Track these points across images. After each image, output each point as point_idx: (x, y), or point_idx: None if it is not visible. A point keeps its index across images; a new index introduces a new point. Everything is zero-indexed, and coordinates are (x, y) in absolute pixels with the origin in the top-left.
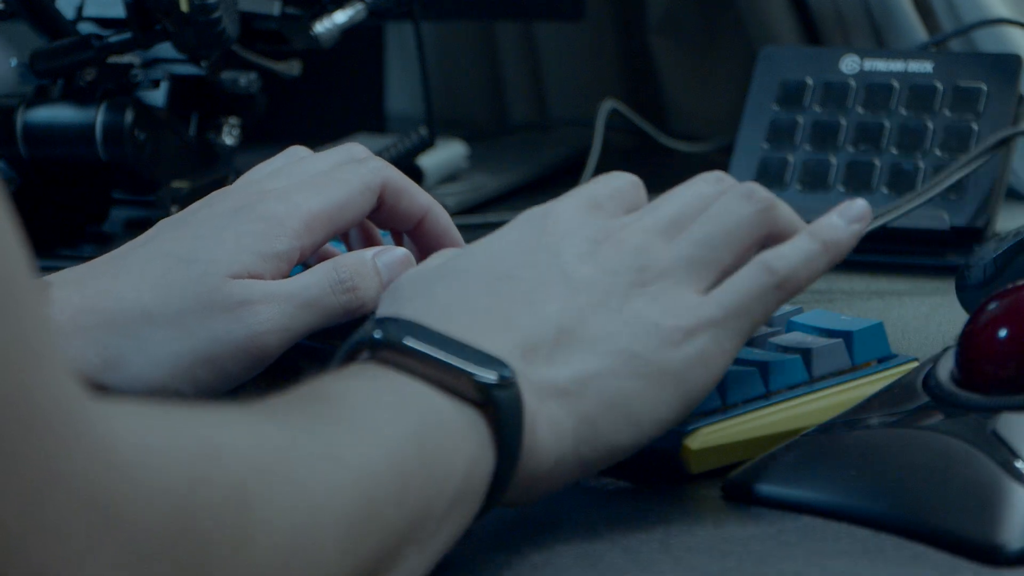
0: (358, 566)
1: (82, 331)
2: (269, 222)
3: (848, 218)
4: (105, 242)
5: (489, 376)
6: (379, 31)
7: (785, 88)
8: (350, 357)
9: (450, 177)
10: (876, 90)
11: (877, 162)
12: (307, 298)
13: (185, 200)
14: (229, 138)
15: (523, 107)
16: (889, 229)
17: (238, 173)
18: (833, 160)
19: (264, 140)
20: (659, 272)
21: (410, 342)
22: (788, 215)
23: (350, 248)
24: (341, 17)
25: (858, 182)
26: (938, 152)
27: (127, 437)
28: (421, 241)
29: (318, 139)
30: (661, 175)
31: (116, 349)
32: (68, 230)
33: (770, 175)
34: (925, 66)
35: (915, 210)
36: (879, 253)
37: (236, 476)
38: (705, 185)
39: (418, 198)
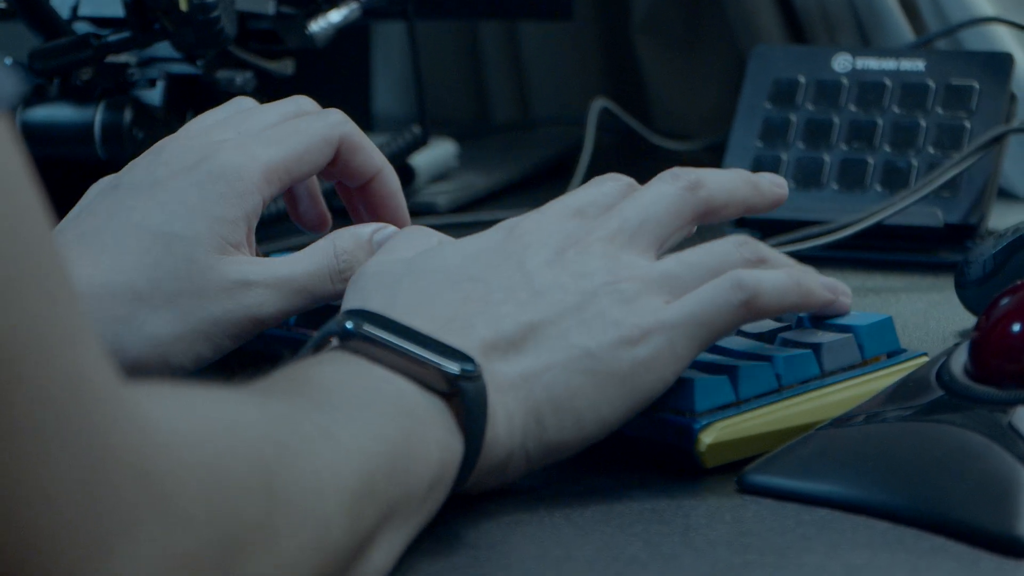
0: (360, 538)
1: None
2: (229, 179)
3: (832, 289)
4: None
5: (455, 368)
6: (366, 31)
7: (778, 86)
8: (320, 345)
9: (441, 176)
10: (869, 88)
11: (870, 160)
12: (304, 284)
13: None
14: None
15: (507, 106)
16: (883, 226)
17: None
18: (826, 158)
19: None
20: (625, 277)
21: (380, 333)
22: (719, 191)
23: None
24: (336, 16)
25: (852, 180)
26: (931, 150)
27: (159, 414)
28: (368, 200)
29: None
30: (652, 174)
31: (110, 333)
32: None
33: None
34: (917, 64)
35: (909, 207)
36: (873, 250)
37: (256, 449)
38: (665, 185)
39: (373, 156)
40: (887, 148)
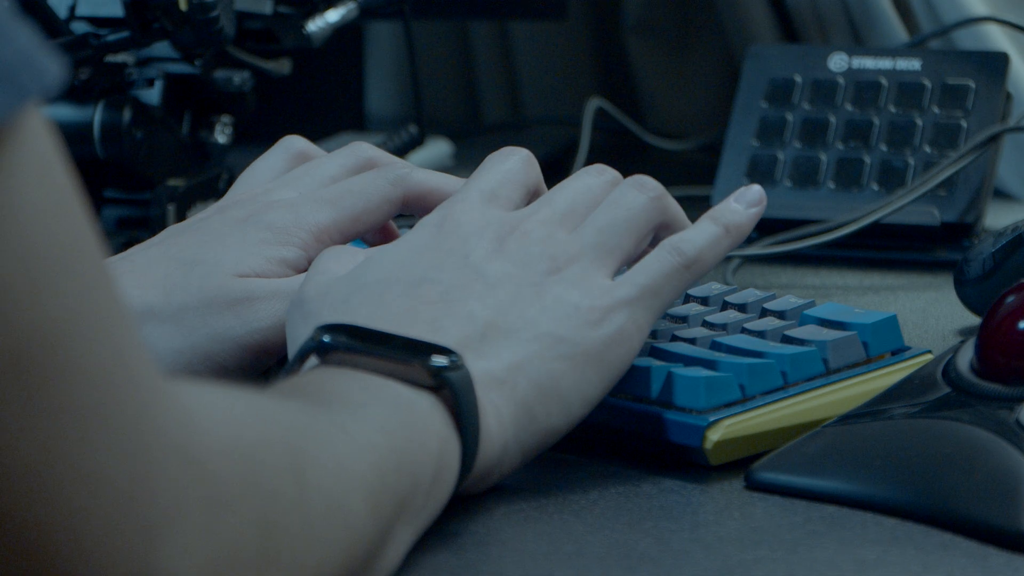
0: (380, 528)
1: None
2: (276, 231)
3: (746, 203)
4: None
5: (440, 360)
6: (359, 31)
7: (774, 86)
8: (299, 363)
9: None
10: (865, 87)
11: (867, 159)
12: None
13: (181, 198)
14: (222, 136)
15: (498, 106)
16: (880, 225)
17: (230, 171)
18: (823, 157)
19: (250, 138)
20: (568, 258)
21: (357, 343)
22: (675, 204)
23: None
24: (333, 16)
25: (848, 178)
26: (927, 149)
27: (195, 402)
28: None
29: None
30: (648, 173)
31: None
32: None
33: (760, 172)
34: (913, 64)
35: (905, 206)
36: (870, 249)
37: (286, 438)
38: (591, 177)
39: (446, 192)
40: (883, 147)
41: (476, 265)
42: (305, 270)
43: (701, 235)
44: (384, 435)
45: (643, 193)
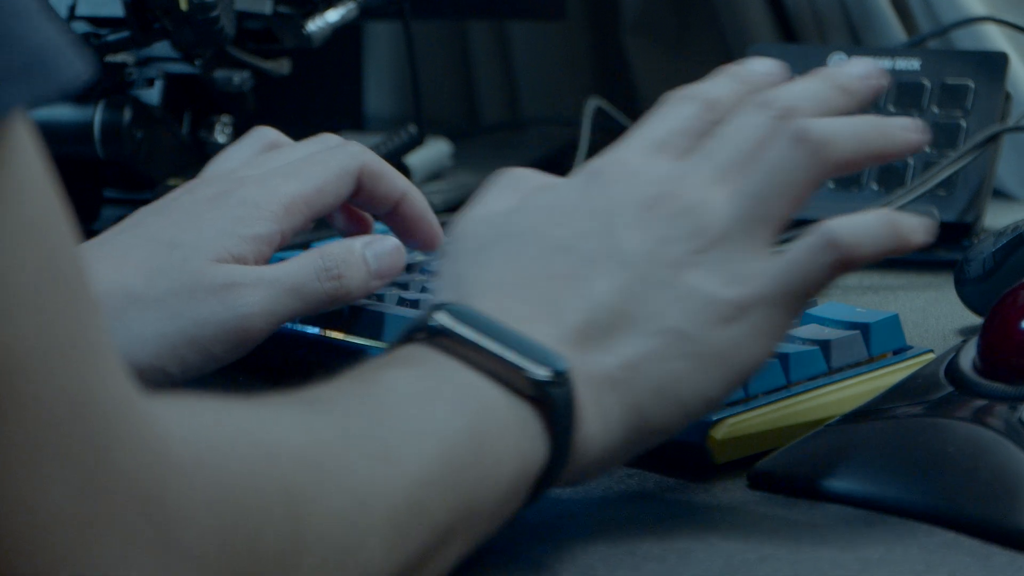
0: (403, 562)
1: None
2: (247, 206)
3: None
4: None
5: (544, 373)
6: (358, 31)
7: None
8: (407, 338)
9: (435, 175)
10: None
11: None
12: (292, 283)
13: None
14: (221, 136)
15: (497, 106)
16: None
17: None
18: None
19: None
20: (716, 235)
21: (468, 332)
22: (847, 147)
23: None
24: (333, 16)
25: (847, 178)
26: (927, 149)
27: (181, 435)
28: (397, 225)
29: (299, 138)
30: None
31: None
32: None
33: None
34: (912, 64)
35: (905, 206)
36: None
37: (288, 476)
38: (755, 116)
39: (395, 182)
40: None
41: (616, 237)
42: (278, 244)
43: (863, 224)
44: (445, 458)
45: (803, 150)
